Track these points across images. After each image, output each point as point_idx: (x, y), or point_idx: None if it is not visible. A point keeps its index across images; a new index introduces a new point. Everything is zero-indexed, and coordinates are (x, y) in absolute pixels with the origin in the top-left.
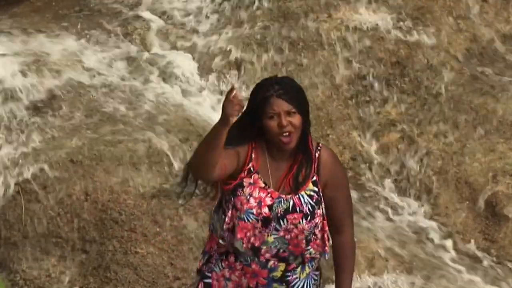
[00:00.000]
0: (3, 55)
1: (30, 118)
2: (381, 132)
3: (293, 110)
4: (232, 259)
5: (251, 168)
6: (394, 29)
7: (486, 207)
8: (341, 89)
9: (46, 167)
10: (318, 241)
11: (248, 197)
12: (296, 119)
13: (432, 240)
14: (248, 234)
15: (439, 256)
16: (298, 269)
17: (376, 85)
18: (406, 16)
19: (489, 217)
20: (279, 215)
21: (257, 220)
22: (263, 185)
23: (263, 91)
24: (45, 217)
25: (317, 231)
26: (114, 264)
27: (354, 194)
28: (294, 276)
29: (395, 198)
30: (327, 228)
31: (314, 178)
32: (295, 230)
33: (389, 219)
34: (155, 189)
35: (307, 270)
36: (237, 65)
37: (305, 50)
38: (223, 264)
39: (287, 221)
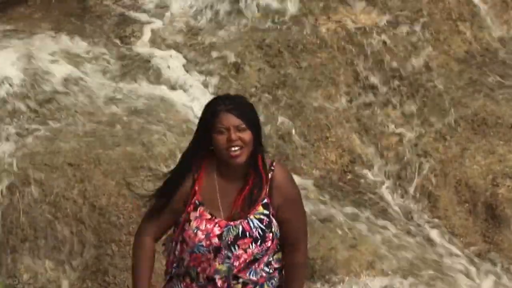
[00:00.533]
0: None
1: (28, 121)
2: (381, 135)
3: (243, 125)
4: (188, 280)
5: (196, 202)
6: (393, 31)
7: (486, 210)
8: (340, 92)
9: (44, 170)
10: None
11: (195, 230)
12: (246, 135)
13: (431, 243)
14: (201, 264)
15: (439, 259)
16: None
17: (375, 87)
18: (405, 19)
19: (489, 220)
20: (229, 242)
21: (208, 251)
22: (209, 216)
23: (213, 106)
24: (43, 221)
25: (268, 253)
26: (113, 268)
27: (353, 197)
28: None
29: (394, 201)
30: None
31: (265, 200)
32: (244, 255)
33: (388, 221)
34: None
35: None
36: (235, 67)
37: (304, 52)
38: (181, 285)
39: (238, 247)
